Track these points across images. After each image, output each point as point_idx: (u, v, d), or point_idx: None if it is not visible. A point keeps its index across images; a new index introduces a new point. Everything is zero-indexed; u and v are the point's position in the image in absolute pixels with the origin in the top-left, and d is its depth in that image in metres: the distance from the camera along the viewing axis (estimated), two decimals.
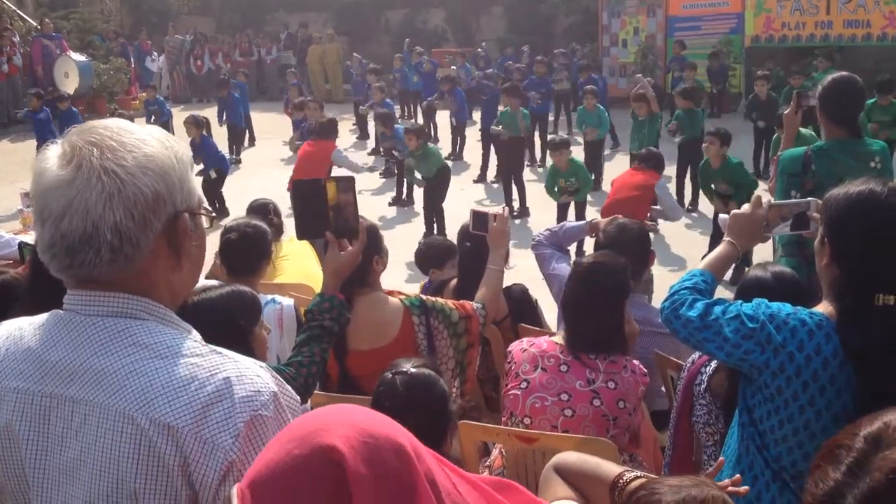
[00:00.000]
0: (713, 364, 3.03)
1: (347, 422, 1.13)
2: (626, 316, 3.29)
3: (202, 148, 11.06)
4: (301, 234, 2.64)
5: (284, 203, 6.02)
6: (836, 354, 2.12)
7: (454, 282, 4.28)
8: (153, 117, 16.26)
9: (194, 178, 1.50)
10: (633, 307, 3.66)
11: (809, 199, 2.57)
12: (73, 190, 1.33)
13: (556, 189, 9.23)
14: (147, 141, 1.41)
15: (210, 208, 1.57)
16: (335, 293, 2.65)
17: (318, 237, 2.67)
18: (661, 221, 8.15)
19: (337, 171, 9.80)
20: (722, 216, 2.73)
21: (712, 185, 8.37)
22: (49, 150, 1.40)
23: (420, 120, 17.60)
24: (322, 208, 2.52)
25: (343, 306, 2.65)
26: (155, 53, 23.76)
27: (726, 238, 2.60)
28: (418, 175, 9.97)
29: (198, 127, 11.35)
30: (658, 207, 7.62)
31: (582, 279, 3.21)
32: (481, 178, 13.21)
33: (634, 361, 3.16)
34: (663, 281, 4.39)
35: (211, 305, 2.73)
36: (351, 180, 2.55)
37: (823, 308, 2.23)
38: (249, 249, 3.78)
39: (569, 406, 3.03)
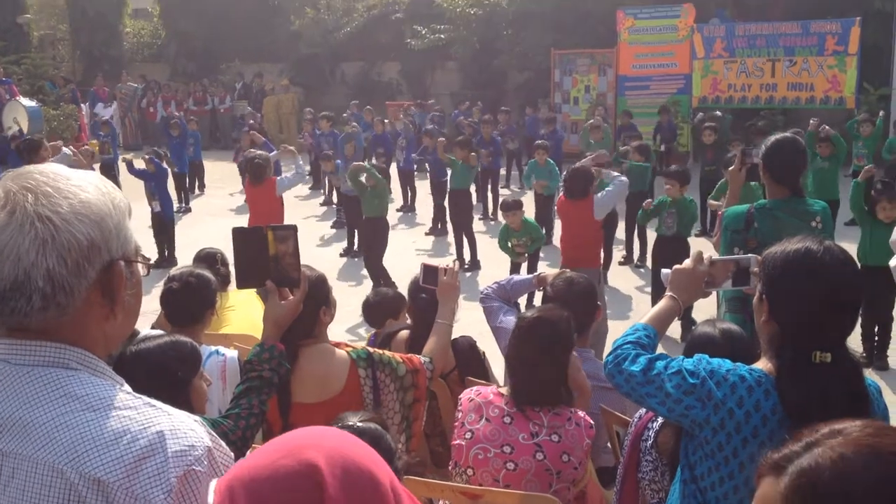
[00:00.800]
0: (660, 420, 3.03)
1: (335, 446, 1.18)
2: (577, 371, 3.29)
3: (155, 177, 11.24)
4: (242, 283, 2.60)
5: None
6: (776, 411, 2.14)
7: (402, 333, 4.25)
8: (104, 146, 16.11)
9: (130, 226, 1.47)
10: (586, 364, 3.71)
11: (750, 255, 2.61)
12: (6, 236, 1.31)
13: (508, 246, 9.28)
14: (83, 187, 1.39)
15: (147, 256, 1.53)
16: (275, 343, 2.61)
17: (258, 286, 2.63)
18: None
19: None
20: (664, 271, 2.74)
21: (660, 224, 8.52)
22: None
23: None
24: (263, 256, 2.50)
25: (283, 356, 2.61)
26: (101, 104, 23.54)
27: (668, 293, 2.62)
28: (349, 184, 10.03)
29: (153, 163, 11.46)
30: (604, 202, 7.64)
31: (524, 333, 3.22)
32: (434, 230, 13.26)
33: (580, 413, 3.16)
34: (611, 335, 4.41)
35: (149, 355, 2.69)
36: (292, 229, 2.53)
37: (763, 364, 2.25)
38: (191, 299, 3.73)
39: (511, 459, 3.01)
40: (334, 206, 14.15)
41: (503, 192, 14.66)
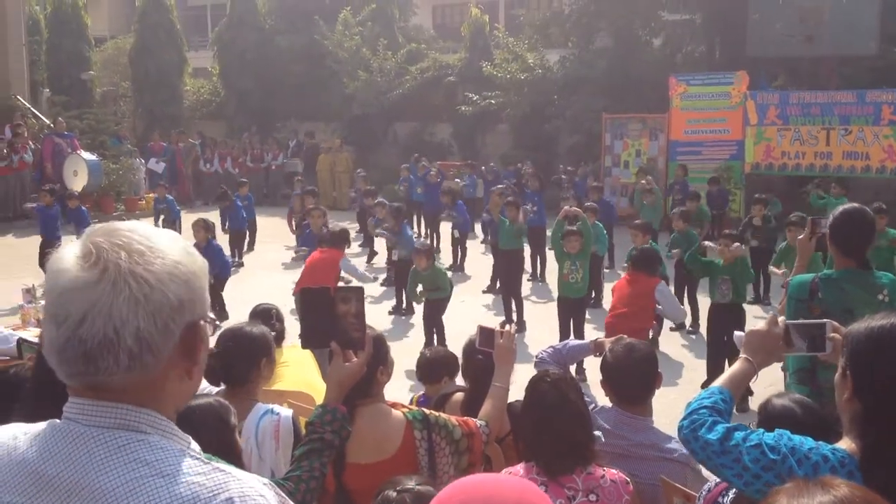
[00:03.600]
0: (731, 493, 2.94)
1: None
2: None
3: (207, 251, 11.06)
4: (306, 343, 2.61)
5: (287, 307, 5.98)
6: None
7: (457, 395, 4.21)
8: (162, 216, 16.34)
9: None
10: (638, 432, 3.66)
11: (825, 320, 2.55)
12: (98, 293, 1.30)
13: (561, 281, 9.29)
14: (171, 248, 1.39)
15: (213, 317, 1.54)
16: (337, 405, 2.60)
17: (323, 346, 2.63)
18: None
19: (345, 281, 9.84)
20: (737, 334, 2.70)
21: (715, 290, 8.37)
22: (67, 249, 1.36)
23: (423, 229, 17.77)
24: (329, 317, 2.50)
25: (345, 419, 2.59)
26: (154, 159, 24.02)
27: (743, 355, 2.57)
28: (419, 290, 9.98)
29: (206, 230, 11.36)
30: (660, 307, 7.63)
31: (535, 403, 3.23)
32: (490, 289, 13.18)
33: (612, 470, 3.13)
34: (661, 403, 4.31)
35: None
36: (360, 290, 2.53)
37: (845, 445, 2.18)
38: (233, 359, 3.64)
39: None
40: (384, 264, 14.21)
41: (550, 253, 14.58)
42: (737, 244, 8.20)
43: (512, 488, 1.40)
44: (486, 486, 1.41)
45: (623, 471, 3.36)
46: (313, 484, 2.49)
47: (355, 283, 9.40)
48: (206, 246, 11.07)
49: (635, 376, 3.55)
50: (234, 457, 2.87)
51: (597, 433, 3.46)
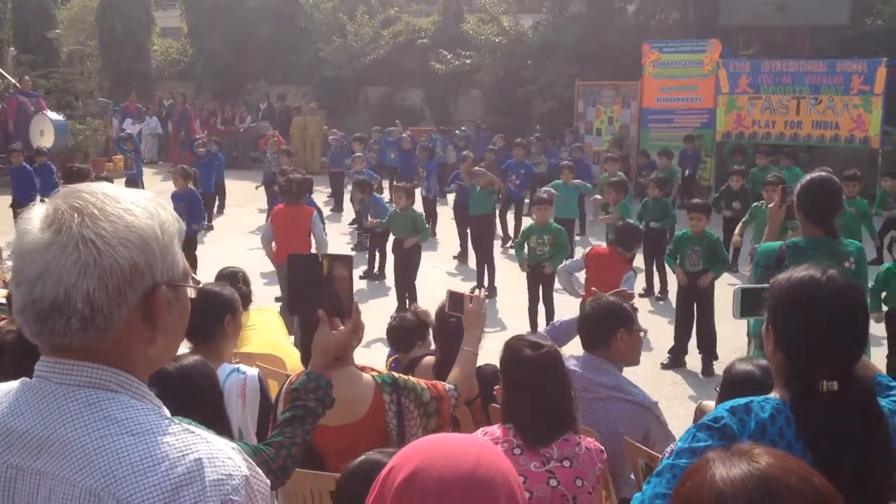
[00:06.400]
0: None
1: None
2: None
3: (186, 199, 10.95)
4: (293, 309, 2.60)
5: (255, 270, 5.96)
6: (798, 438, 2.11)
7: (428, 359, 4.22)
8: (127, 161, 16.25)
9: (179, 250, 1.45)
10: (602, 374, 3.92)
11: (766, 284, 2.60)
12: (50, 255, 1.30)
13: (525, 249, 9.16)
14: (131, 210, 1.37)
15: (198, 279, 1.52)
16: (323, 373, 2.59)
17: (309, 314, 2.63)
18: None
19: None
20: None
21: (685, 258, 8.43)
22: (34, 211, 1.37)
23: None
24: (316, 284, 2.49)
25: (329, 386, 2.59)
26: (129, 120, 23.72)
27: None
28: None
29: (185, 178, 11.27)
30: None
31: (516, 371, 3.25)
32: (462, 257, 13.19)
33: (589, 439, 3.18)
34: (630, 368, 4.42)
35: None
36: (349, 259, 2.52)
37: (775, 394, 2.23)
38: (197, 317, 3.63)
39: (526, 489, 2.98)
40: (357, 228, 14.16)
41: (526, 220, 14.64)
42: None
43: (471, 447, 1.41)
44: (445, 445, 1.41)
45: (587, 412, 3.62)
46: (294, 450, 2.49)
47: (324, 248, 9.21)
48: (186, 194, 10.99)
49: (597, 321, 3.97)
50: (223, 423, 2.86)
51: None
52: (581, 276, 7.88)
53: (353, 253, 13.33)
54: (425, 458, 1.37)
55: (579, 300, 7.33)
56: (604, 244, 9.25)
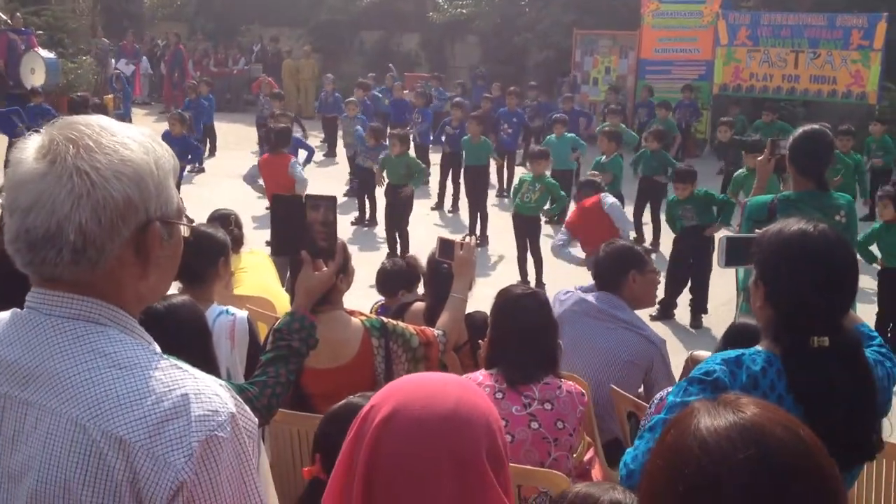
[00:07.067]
0: None
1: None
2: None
3: (181, 143, 11.05)
4: (276, 250, 2.61)
5: (247, 214, 5.94)
6: (790, 390, 2.13)
7: (417, 305, 4.24)
8: (115, 100, 16.14)
9: (173, 186, 1.45)
10: (618, 308, 4.16)
11: (754, 234, 2.59)
12: (43, 185, 1.30)
13: (518, 198, 9.15)
14: (127, 144, 1.37)
15: (191, 218, 1.52)
16: (306, 313, 2.60)
17: (293, 254, 2.63)
18: None
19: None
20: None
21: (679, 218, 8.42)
22: (30, 141, 1.36)
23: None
24: (299, 226, 2.48)
25: (313, 327, 2.60)
26: (123, 60, 23.43)
27: None
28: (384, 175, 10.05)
29: (182, 123, 11.45)
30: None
31: (521, 304, 3.33)
32: (440, 206, 13.21)
33: (569, 383, 3.22)
34: None
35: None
36: (332, 200, 2.51)
37: (764, 347, 2.23)
38: (191, 258, 3.63)
39: (507, 432, 3.02)
40: (348, 175, 14.08)
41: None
42: None
43: (451, 387, 1.40)
44: (425, 384, 1.41)
45: (596, 337, 3.95)
46: (279, 389, 2.51)
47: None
48: (180, 139, 11.08)
49: (609, 263, 4.26)
50: (211, 364, 2.87)
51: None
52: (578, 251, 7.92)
53: (345, 198, 13.30)
54: (405, 398, 1.37)
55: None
56: None
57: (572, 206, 9.33)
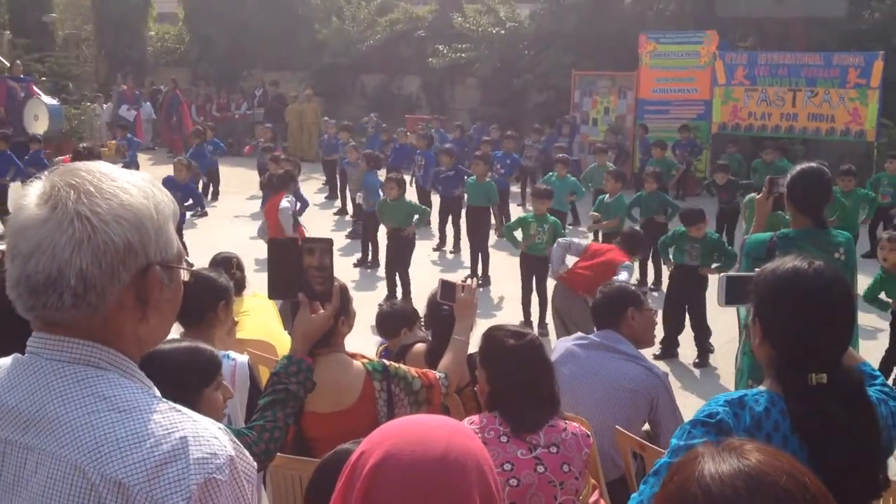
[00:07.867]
0: None
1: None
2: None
3: (185, 189, 11.24)
4: (273, 293, 2.59)
5: (249, 256, 5.96)
6: (794, 430, 2.11)
7: (418, 346, 4.23)
8: (120, 148, 16.32)
9: (173, 230, 1.46)
10: (621, 344, 4.22)
11: (753, 273, 2.60)
12: (45, 231, 1.32)
13: (518, 234, 9.17)
14: (127, 189, 1.39)
15: (191, 262, 1.54)
16: (303, 357, 2.60)
17: (289, 298, 2.62)
18: None
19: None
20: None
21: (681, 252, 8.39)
22: (32, 187, 1.38)
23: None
24: (296, 269, 2.48)
25: (310, 370, 2.60)
26: (125, 105, 23.60)
27: None
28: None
29: (189, 170, 11.64)
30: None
31: (522, 355, 3.27)
32: (441, 247, 13.20)
33: (574, 424, 3.19)
34: None
35: (163, 357, 2.65)
36: (328, 243, 2.52)
37: (766, 386, 2.22)
38: (191, 299, 3.61)
39: (513, 476, 3.00)
40: (350, 217, 14.10)
41: (517, 210, 14.61)
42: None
43: (442, 430, 1.38)
44: (415, 428, 1.39)
45: (602, 368, 4.04)
46: (277, 434, 2.49)
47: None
48: (185, 185, 11.28)
49: (607, 302, 4.41)
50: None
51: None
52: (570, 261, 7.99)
53: (348, 240, 13.32)
54: (395, 443, 1.35)
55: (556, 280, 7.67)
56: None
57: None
